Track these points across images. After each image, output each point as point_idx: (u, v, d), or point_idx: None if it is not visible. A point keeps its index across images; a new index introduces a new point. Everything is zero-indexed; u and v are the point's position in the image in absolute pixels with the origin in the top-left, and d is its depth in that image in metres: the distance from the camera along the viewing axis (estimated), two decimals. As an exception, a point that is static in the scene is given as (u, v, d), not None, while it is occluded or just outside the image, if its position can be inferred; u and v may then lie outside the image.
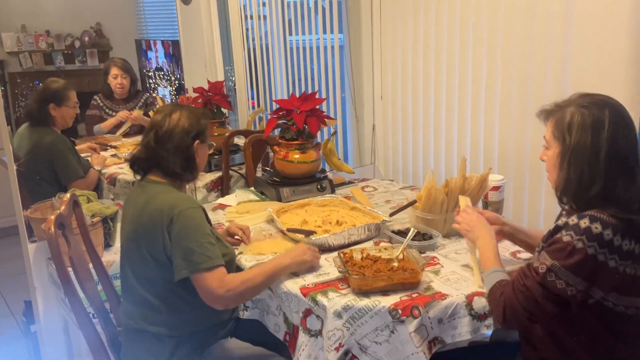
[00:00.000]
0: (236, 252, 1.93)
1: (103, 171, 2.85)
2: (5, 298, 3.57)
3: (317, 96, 2.52)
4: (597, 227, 1.35)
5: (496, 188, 2.13)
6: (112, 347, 1.84)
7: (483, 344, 1.90)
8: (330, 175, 2.72)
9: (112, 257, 2.23)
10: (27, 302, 2.75)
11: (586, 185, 1.41)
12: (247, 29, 3.58)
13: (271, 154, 2.76)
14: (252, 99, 3.74)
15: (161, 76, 3.64)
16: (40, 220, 2.24)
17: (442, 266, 1.82)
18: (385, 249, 1.85)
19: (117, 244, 2.26)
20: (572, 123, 1.43)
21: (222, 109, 3.14)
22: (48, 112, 2.71)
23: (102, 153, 3.03)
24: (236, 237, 2.03)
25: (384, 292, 1.64)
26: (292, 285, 1.71)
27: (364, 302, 1.59)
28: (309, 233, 1.95)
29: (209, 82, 3.12)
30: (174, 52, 3.54)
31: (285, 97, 3.60)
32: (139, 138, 1.98)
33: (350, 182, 2.83)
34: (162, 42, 3.60)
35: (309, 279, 1.75)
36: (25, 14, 3.39)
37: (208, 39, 3.37)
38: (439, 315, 1.59)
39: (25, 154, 2.61)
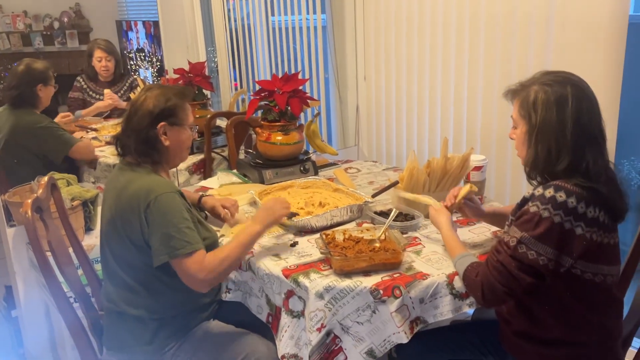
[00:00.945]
0: (218, 234, 1.92)
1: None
2: (-14, 283, 3.53)
3: (299, 77, 2.50)
4: (561, 196, 1.39)
5: (478, 168, 2.13)
6: (94, 331, 1.83)
7: (465, 322, 1.92)
8: (313, 157, 2.71)
9: (92, 240, 2.21)
10: (8, 287, 2.72)
11: (554, 161, 1.45)
12: (229, 10, 3.52)
13: (254, 135, 2.73)
14: (235, 80, 3.69)
15: (142, 57, 3.58)
16: (19, 204, 2.20)
17: (424, 246, 1.83)
18: (367, 229, 1.86)
19: (98, 227, 2.24)
20: (536, 101, 1.47)
21: (204, 91, 3.11)
22: (36, 93, 2.65)
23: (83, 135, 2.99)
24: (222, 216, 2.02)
25: (366, 272, 1.64)
26: (274, 267, 1.71)
27: (346, 282, 1.59)
28: (291, 215, 1.94)
29: (189, 63, 3.07)
30: (155, 32, 3.47)
31: (268, 79, 3.57)
32: (119, 120, 1.94)
33: (333, 164, 2.82)
34: (143, 22, 3.53)
35: (291, 261, 1.75)
36: (2, -6, 3.31)
37: (189, 19, 3.31)
38: (420, 295, 1.60)
39: (4, 136, 2.56)
